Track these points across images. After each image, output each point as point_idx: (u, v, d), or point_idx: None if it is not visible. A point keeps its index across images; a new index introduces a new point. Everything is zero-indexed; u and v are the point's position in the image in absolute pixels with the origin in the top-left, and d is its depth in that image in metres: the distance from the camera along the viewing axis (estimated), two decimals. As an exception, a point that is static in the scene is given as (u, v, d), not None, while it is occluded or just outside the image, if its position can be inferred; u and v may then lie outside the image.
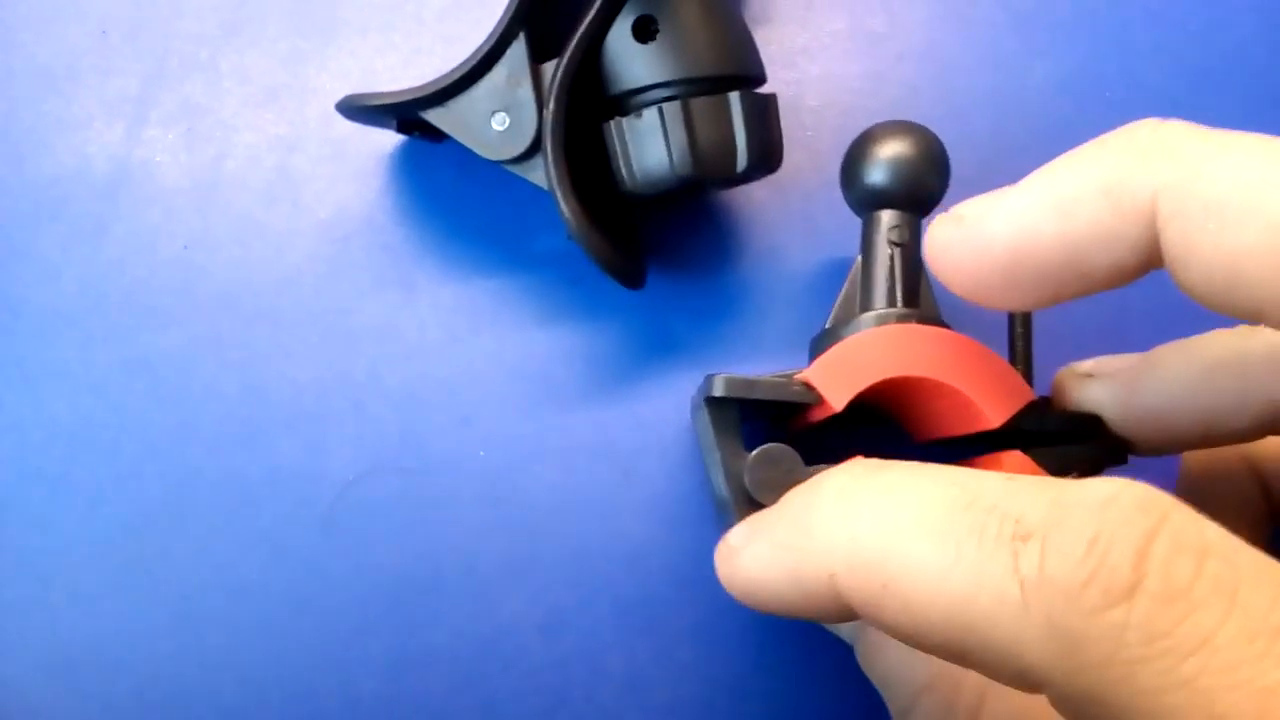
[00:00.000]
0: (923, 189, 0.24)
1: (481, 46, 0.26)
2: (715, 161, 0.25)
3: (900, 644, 0.19)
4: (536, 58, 0.26)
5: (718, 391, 0.21)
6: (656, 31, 0.25)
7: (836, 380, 0.22)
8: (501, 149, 0.26)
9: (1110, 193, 0.17)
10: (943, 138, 0.30)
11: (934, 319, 0.23)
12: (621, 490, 0.27)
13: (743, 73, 0.26)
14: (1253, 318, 0.16)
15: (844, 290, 0.25)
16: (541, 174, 0.26)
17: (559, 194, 0.25)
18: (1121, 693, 0.14)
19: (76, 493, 0.28)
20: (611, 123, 0.26)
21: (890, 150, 0.24)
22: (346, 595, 0.27)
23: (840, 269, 0.27)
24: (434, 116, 0.26)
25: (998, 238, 0.18)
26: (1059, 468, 0.22)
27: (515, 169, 0.26)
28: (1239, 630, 0.13)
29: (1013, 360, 0.24)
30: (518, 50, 0.26)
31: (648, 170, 0.25)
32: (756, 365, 0.28)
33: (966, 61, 0.30)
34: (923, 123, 0.30)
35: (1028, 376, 0.24)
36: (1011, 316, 0.24)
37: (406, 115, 0.27)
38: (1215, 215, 0.16)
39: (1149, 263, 0.17)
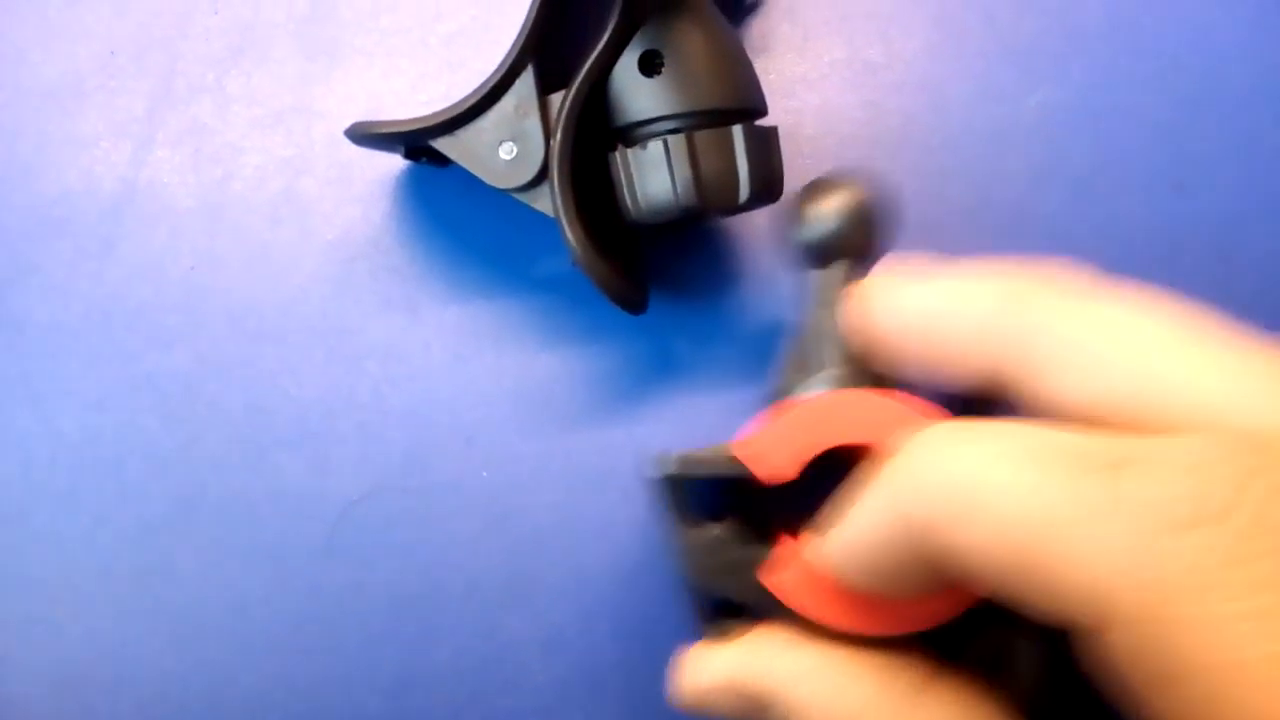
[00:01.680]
0: (859, 243, 0.24)
1: (490, 78, 0.26)
2: (718, 192, 0.26)
3: None
4: (544, 89, 0.26)
5: (663, 471, 0.22)
6: (662, 66, 0.26)
7: (776, 454, 0.22)
8: (509, 177, 0.26)
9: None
10: (938, 166, 0.31)
11: (882, 376, 0.23)
12: (622, 511, 0.28)
13: (745, 106, 0.26)
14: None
15: (795, 343, 0.24)
16: (548, 202, 0.26)
17: (564, 222, 0.26)
18: (1189, 613, 0.14)
19: (82, 510, 0.28)
20: (617, 153, 0.26)
21: (827, 206, 0.24)
22: (349, 613, 0.27)
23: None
24: (443, 145, 0.27)
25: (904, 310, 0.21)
26: None
27: (522, 197, 0.27)
28: None
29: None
30: (526, 81, 0.26)
31: (652, 200, 0.26)
32: (755, 387, 0.28)
33: (961, 92, 0.31)
34: (917, 152, 0.31)
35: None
36: None
37: (415, 144, 0.27)
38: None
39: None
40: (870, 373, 0.23)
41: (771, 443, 0.22)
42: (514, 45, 0.26)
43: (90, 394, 0.28)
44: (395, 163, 0.30)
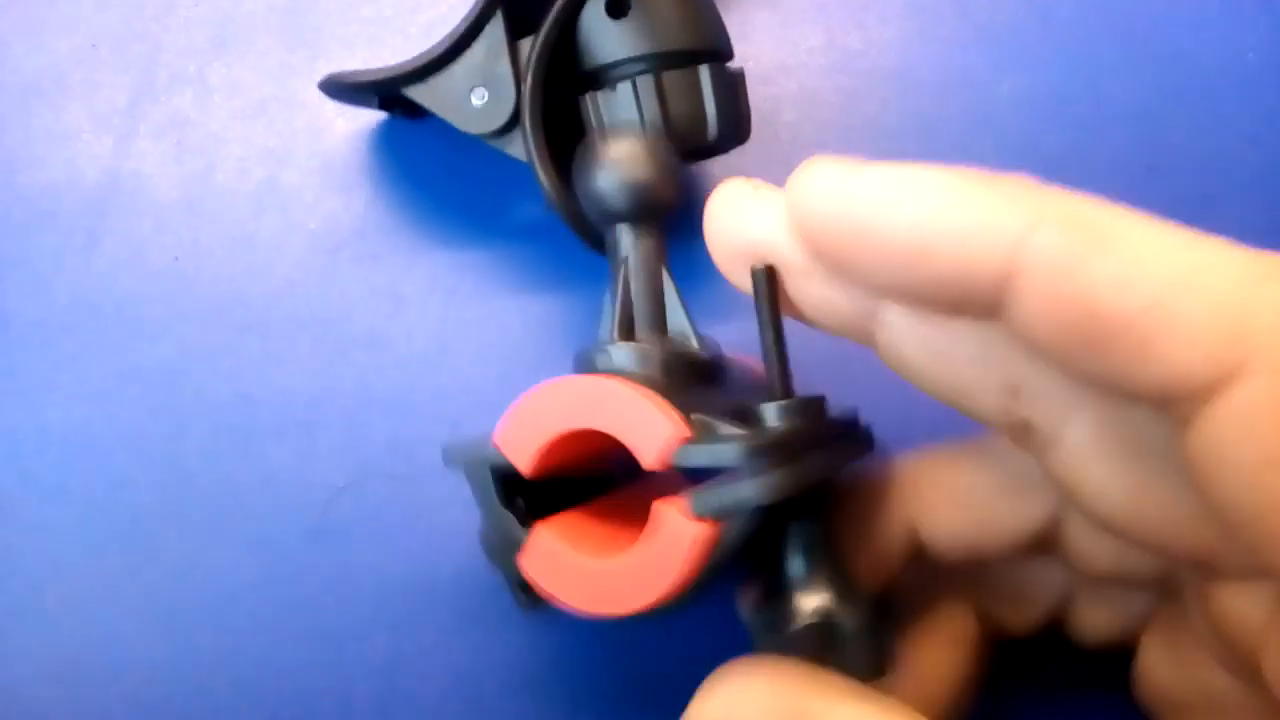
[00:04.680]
0: (652, 204, 0.22)
1: (460, 24, 0.27)
2: (687, 131, 0.26)
3: None
4: (514, 35, 0.27)
5: (446, 460, 0.22)
6: (629, 8, 0.26)
7: (521, 444, 0.20)
8: (481, 123, 0.27)
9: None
10: (913, 152, 0.31)
11: (645, 354, 0.21)
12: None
13: (712, 48, 0.27)
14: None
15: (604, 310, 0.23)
16: (520, 147, 0.27)
17: (538, 165, 0.26)
18: None
19: (69, 501, 0.28)
20: (587, 96, 0.27)
21: (608, 160, 0.22)
22: (337, 599, 0.28)
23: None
24: (415, 93, 0.27)
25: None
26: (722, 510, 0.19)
27: (495, 143, 0.27)
28: None
29: (768, 367, 0.21)
30: (495, 27, 0.27)
31: None
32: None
33: (937, 78, 0.31)
34: (894, 137, 0.31)
35: (785, 383, 0.20)
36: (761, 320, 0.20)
37: (388, 92, 0.28)
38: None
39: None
40: (656, 343, 0.21)
41: (515, 433, 0.20)
42: None
43: (76, 386, 0.29)
44: (378, 154, 0.30)
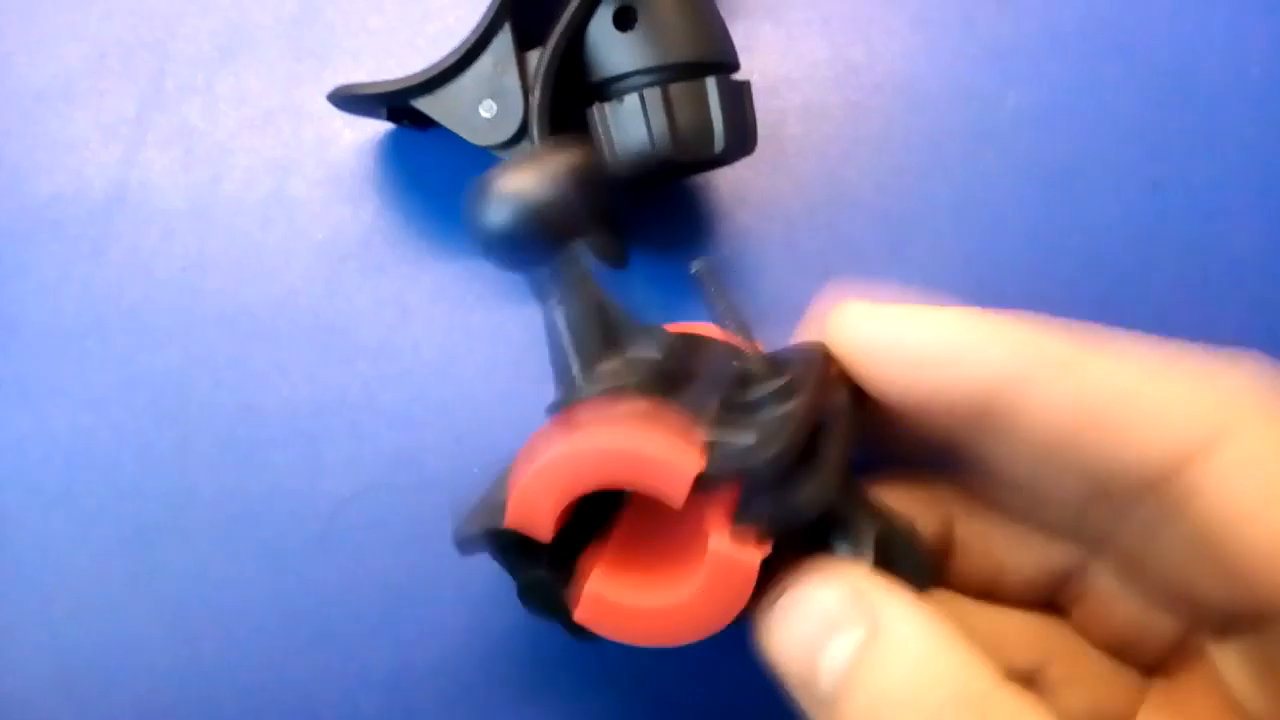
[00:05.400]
0: (554, 230, 0.22)
1: (469, 37, 0.27)
2: (694, 143, 0.26)
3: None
4: (522, 46, 0.27)
5: (462, 542, 0.21)
6: (636, 21, 0.26)
7: (536, 515, 0.19)
8: (489, 135, 0.27)
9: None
10: (918, 165, 0.31)
11: (635, 356, 0.21)
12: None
13: (718, 60, 0.27)
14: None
15: (554, 349, 0.22)
16: None
17: None
18: None
19: (76, 509, 0.28)
20: (594, 108, 0.27)
21: (497, 205, 0.22)
22: (342, 610, 0.28)
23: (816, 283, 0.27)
24: (424, 105, 0.27)
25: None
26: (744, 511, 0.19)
27: (502, 154, 0.27)
28: None
29: (727, 330, 0.21)
30: (504, 40, 0.27)
31: (629, 152, 0.26)
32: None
33: (942, 91, 0.31)
34: (898, 150, 0.31)
35: (750, 347, 0.21)
36: (710, 298, 0.21)
37: (397, 104, 0.28)
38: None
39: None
40: (619, 367, 0.21)
41: (527, 511, 0.20)
42: (491, 4, 0.27)
43: (83, 394, 0.29)
44: (385, 164, 0.30)
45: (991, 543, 0.23)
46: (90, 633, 0.28)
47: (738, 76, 0.28)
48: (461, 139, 0.27)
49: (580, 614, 0.20)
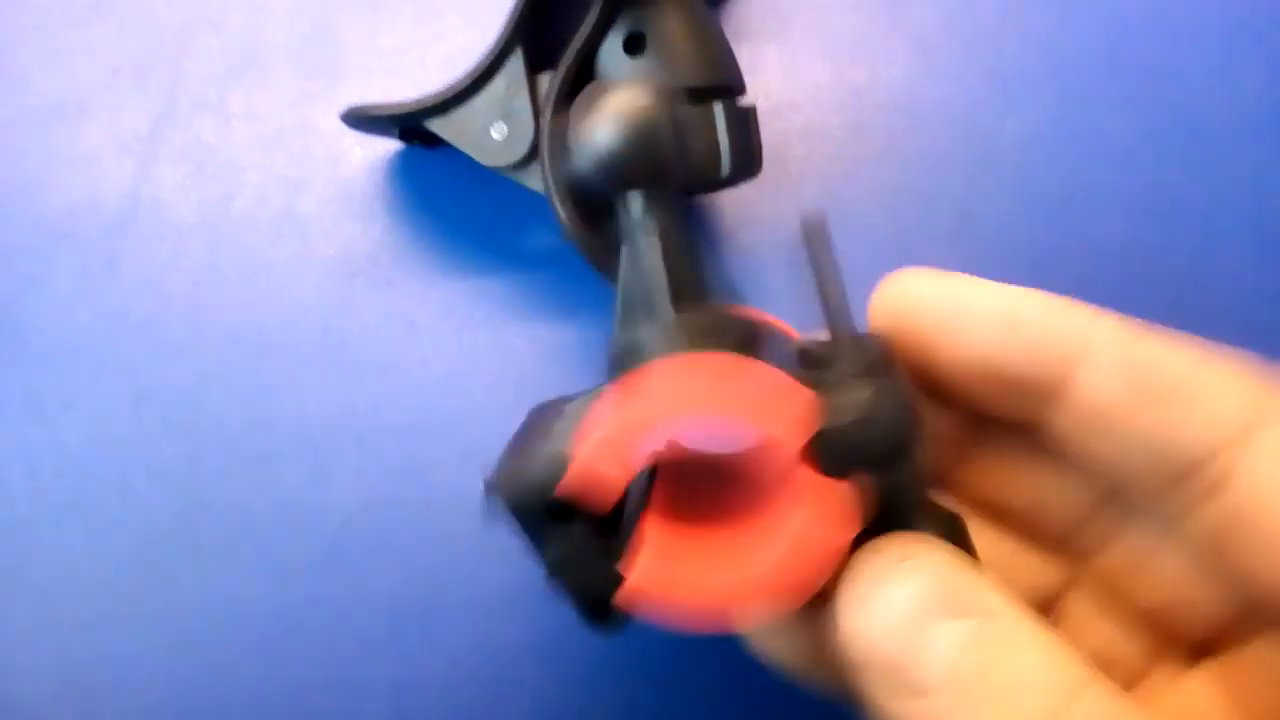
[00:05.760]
0: (662, 161, 0.22)
1: (481, 60, 0.27)
2: (701, 166, 0.27)
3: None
4: (533, 70, 0.27)
5: (499, 502, 0.19)
6: (645, 46, 0.27)
7: (608, 472, 0.17)
8: (500, 156, 0.27)
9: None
10: (918, 186, 0.32)
11: (720, 311, 0.20)
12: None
13: (725, 84, 0.28)
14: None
15: (620, 287, 0.21)
16: (538, 179, 0.27)
17: (555, 197, 0.27)
18: None
19: (86, 521, 0.28)
20: None
21: (612, 118, 0.21)
22: (349, 622, 0.28)
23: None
24: (436, 126, 0.27)
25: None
26: (844, 465, 0.18)
27: (513, 175, 0.28)
28: None
29: (825, 306, 0.20)
30: (515, 63, 0.27)
31: None
32: None
33: (943, 115, 0.32)
34: (899, 172, 0.32)
35: (844, 316, 0.20)
36: (813, 256, 0.20)
37: (410, 124, 0.28)
38: None
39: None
40: (701, 315, 0.20)
41: (598, 456, 0.17)
42: (504, 28, 0.27)
43: (94, 407, 0.29)
44: (395, 182, 0.30)
45: (984, 560, 0.23)
46: (99, 644, 0.28)
47: (743, 100, 0.28)
48: (469, 159, 0.28)
49: (636, 585, 0.17)
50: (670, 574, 0.18)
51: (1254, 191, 0.31)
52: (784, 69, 0.32)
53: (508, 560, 0.28)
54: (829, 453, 0.17)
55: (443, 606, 0.28)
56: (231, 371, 0.29)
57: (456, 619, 0.28)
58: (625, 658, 0.28)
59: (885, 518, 0.18)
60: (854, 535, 0.17)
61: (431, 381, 0.29)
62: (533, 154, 0.27)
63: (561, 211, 0.27)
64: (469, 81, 0.27)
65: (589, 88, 0.22)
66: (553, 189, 0.27)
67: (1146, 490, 0.19)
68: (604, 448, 0.17)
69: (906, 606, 0.17)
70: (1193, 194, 0.31)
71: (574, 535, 0.18)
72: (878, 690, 0.17)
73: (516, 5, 0.27)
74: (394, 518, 0.28)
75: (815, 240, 0.19)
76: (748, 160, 0.28)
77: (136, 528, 0.28)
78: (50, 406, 0.29)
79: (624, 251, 0.22)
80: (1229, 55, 0.32)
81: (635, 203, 0.22)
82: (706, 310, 0.20)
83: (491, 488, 0.19)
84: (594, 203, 0.27)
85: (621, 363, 0.20)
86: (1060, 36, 0.32)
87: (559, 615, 0.28)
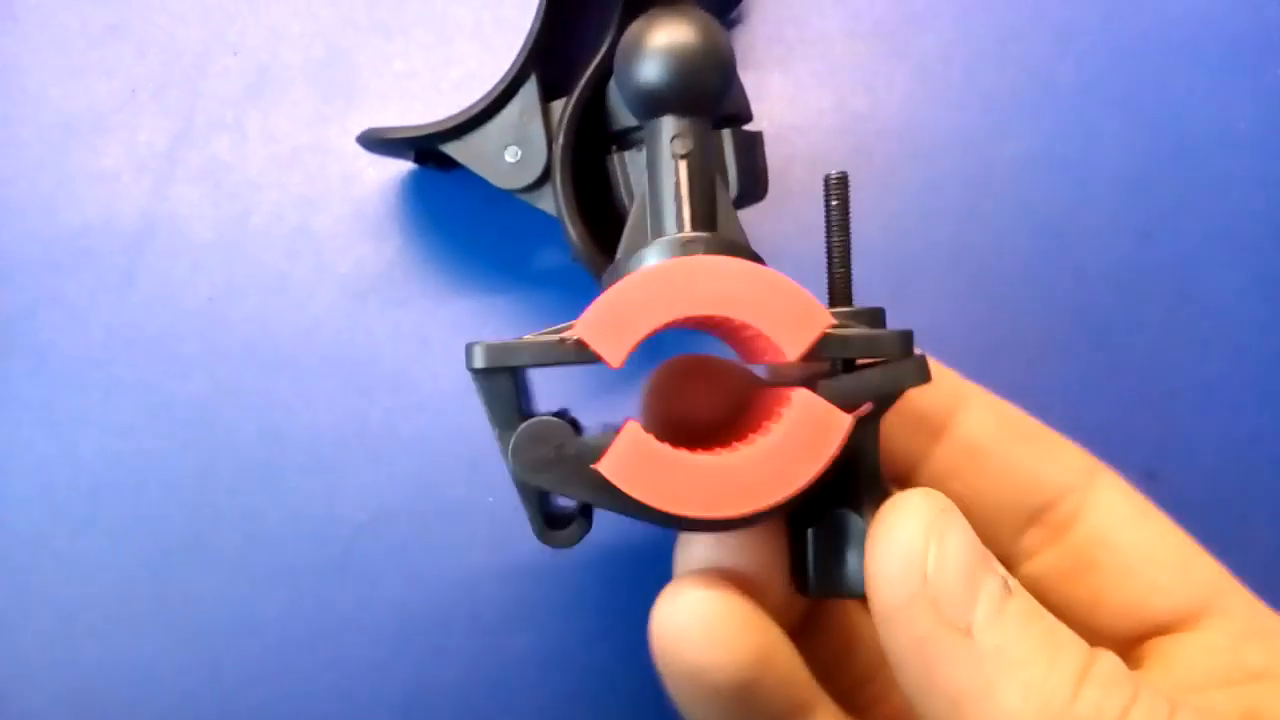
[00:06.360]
0: (705, 88, 0.21)
1: (496, 86, 0.28)
2: None
3: None
4: (546, 96, 0.28)
5: (478, 363, 0.19)
6: None
7: (611, 332, 0.18)
8: (513, 179, 0.28)
9: None
10: (918, 210, 0.33)
11: (735, 242, 0.21)
12: (625, 533, 0.29)
13: (734, 111, 0.28)
14: None
15: (633, 214, 0.22)
16: (550, 202, 0.28)
17: (566, 220, 0.27)
18: None
19: (101, 532, 0.29)
20: (614, 155, 0.28)
21: (665, 41, 0.21)
22: (360, 633, 0.28)
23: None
24: (452, 149, 0.28)
25: None
26: (851, 399, 0.19)
27: (525, 197, 0.28)
28: None
29: (831, 272, 0.22)
30: (529, 90, 0.28)
31: None
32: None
33: (942, 140, 0.33)
34: (899, 195, 0.32)
35: (846, 289, 0.21)
36: (829, 226, 0.22)
37: (424, 147, 0.29)
38: None
39: None
40: (713, 236, 0.20)
41: (596, 326, 0.18)
42: (518, 56, 0.28)
43: (110, 420, 0.30)
44: (407, 200, 0.31)
45: None
46: (112, 652, 0.28)
47: (750, 126, 0.29)
48: (482, 180, 0.28)
49: (608, 466, 0.18)
50: (653, 448, 0.18)
51: (1244, 216, 0.31)
52: (788, 96, 0.33)
53: (516, 573, 0.29)
54: (830, 349, 0.19)
55: (450, 618, 0.28)
56: (245, 386, 0.30)
57: (465, 630, 0.28)
58: (632, 670, 0.28)
59: (845, 480, 0.19)
60: (853, 421, 0.18)
61: (441, 396, 0.30)
62: (545, 177, 0.28)
63: (573, 231, 0.27)
64: (484, 106, 0.28)
65: (639, 19, 0.21)
66: (565, 211, 0.27)
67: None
68: (604, 317, 0.18)
69: (965, 550, 0.17)
70: (1185, 219, 0.32)
71: (545, 421, 0.19)
72: (916, 625, 0.17)
73: (531, 34, 0.28)
74: (404, 530, 0.29)
75: (835, 194, 0.21)
76: (755, 184, 0.28)
77: (150, 539, 0.29)
78: (66, 420, 0.30)
79: (646, 174, 0.22)
80: (1222, 85, 0.33)
81: (667, 126, 0.21)
82: (721, 240, 0.20)
83: (471, 350, 0.19)
84: (605, 224, 0.28)
85: (611, 278, 0.20)
86: (1057, 66, 0.33)
87: (567, 627, 0.29)
